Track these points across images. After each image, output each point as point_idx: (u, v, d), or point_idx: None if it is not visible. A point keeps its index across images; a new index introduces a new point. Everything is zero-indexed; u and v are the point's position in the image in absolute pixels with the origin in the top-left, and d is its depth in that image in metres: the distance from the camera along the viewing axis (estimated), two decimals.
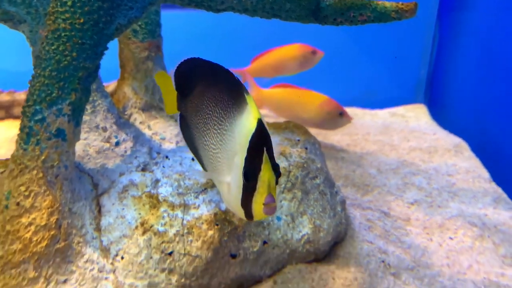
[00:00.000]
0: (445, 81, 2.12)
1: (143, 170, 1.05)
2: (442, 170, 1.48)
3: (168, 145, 1.18)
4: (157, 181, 1.02)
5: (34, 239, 0.86)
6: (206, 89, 0.79)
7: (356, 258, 1.03)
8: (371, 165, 1.56)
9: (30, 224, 0.86)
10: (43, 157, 0.89)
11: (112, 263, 0.92)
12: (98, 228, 0.95)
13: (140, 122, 1.22)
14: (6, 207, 0.87)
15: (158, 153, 1.12)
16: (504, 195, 1.37)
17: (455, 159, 1.57)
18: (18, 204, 0.87)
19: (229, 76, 0.76)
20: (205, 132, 0.79)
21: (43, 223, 0.87)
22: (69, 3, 0.88)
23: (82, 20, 0.88)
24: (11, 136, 2.00)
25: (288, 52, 1.65)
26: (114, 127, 1.10)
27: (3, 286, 0.83)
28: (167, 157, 1.10)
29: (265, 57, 1.68)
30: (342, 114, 1.56)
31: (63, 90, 0.89)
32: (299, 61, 1.64)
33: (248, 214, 0.69)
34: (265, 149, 0.66)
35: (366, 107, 2.29)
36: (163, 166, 1.06)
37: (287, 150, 1.11)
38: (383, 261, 1.02)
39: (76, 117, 0.92)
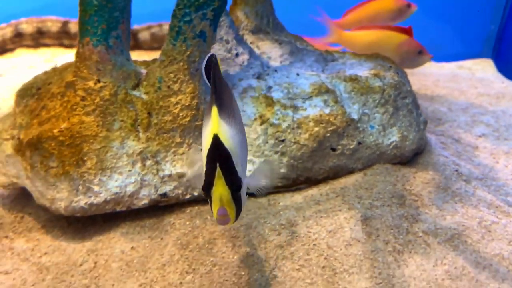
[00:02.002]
0: None
1: (258, 78, 1.19)
2: (509, 111, 1.54)
3: (274, 63, 1.30)
4: (270, 87, 1.16)
5: (181, 114, 1.02)
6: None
7: (433, 166, 1.15)
8: (442, 104, 1.64)
9: (177, 103, 1.02)
10: (188, 53, 1.04)
11: None
12: None
13: (250, 43, 1.35)
14: (159, 88, 1.03)
15: (268, 67, 1.25)
16: None
17: None
18: (168, 87, 1.03)
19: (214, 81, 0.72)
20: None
21: (187, 104, 1.03)
22: None
23: None
24: None
25: (384, 4, 1.69)
26: (234, 41, 1.23)
27: (158, 144, 1.01)
28: (275, 70, 1.23)
29: (360, 9, 1.72)
30: (421, 52, 1.61)
31: None
32: (394, 14, 1.68)
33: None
34: (218, 165, 0.64)
35: (432, 60, 2.31)
36: (274, 77, 1.20)
37: (381, 73, 1.21)
38: (456, 170, 1.13)
39: (215, 23, 1.06)
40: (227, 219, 0.65)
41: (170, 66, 1.04)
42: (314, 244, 0.94)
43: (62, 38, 2.59)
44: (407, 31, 1.63)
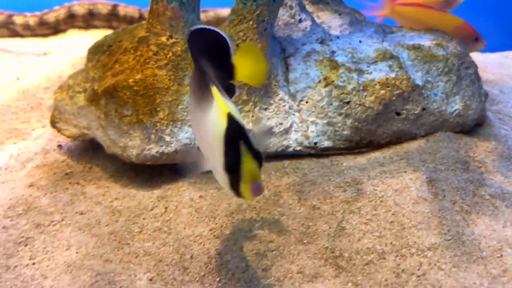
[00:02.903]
0: None
1: (321, 43, 1.18)
2: None
3: (334, 32, 1.29)
4: (333, 52, 1.15)
5: None
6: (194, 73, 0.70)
7: (495, 137, 1.12)
8: (493, 87, 1.59)
9: None
10: (257, 12, 1.04)
11: (298, 105, 1.07)
12: (286, 80, 1.10)
13: (310, 12, 1.34)
14: None
15: (329, 35, 1.24)
16: None
17: None
18: (237, 45, 1.03)
19: (205, 60, 0.68)
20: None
21: None
22: None
23: None
24: None
25: None
26: (298, 7, 1.22)
27: None
28: (338, 37, 1.22)
29: (406, 2, 1.69)
30: (477, 39, 1.57)
31: None
32: (441, 5, 1.65)
33: (239, 196, 0.65)
34: (241, 142, 0.61)
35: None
36: (337, 43, 1.18)
37: (443, 43, 1.18)
38: None
39: None
40: (262, 190, 0.63)
41: (240, 25, 1.04)
42: (381, 201, 0.92)
43: (111, 20, 2.64)
44: None
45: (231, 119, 0.62)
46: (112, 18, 2.63)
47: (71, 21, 2.59)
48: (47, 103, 1.52)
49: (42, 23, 2.55)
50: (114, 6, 2.62)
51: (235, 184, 0.63)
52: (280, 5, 1.07)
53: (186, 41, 0.75)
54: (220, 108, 0.63)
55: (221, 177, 0.64)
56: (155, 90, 0.98)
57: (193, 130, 0.72)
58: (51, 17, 2.58)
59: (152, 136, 0.97)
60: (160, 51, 1.01)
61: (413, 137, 1.09)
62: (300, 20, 1.22)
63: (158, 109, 0.98)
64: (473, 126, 1.14)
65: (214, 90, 0.64)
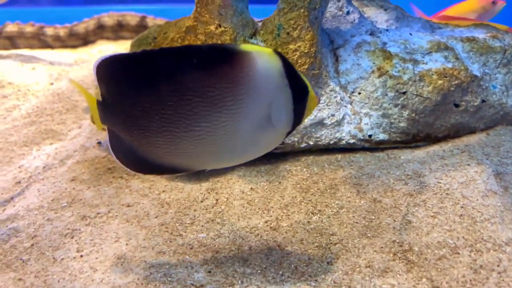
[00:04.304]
0: None
1: (371, 34, 1.14)
2: None
3: (381, 26, 1.25)
4: (385, 43, 1.11)
5: (299, 61, 0.99)
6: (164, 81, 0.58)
7: None
8: None
9: (296, 50, 0.99)
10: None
11: (350, 97, 1.03)
12: (336, 71, 1.06)
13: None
14: (278, 35, 1.01)
15: (377, 28, 1.21)
16: None
17: None
18: (288, 33, 1.00)
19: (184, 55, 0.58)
20: (197, 122, 0.58)
21: (306, 51, 0.99)
22: None
23: None
24: None
25: (468, 6, 1.64)
26: (345, 0, 1.20)
27: None
28: (387, 30, 1.18)
29: (446, 12, 1.67)
30: None
31: None
32: (479, 13, 1.62)
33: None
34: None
35: None
36: (387, 35, 1.15)
37: (499, 35, 1.14)
38: None
39: None
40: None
41: (290, 13, 1.01)
42: (447, 194, 0.86)
43: (139, 31, 2.66)
44: None
45: (280, 55, 0.58)
46: (140, 29, 2.65)
47: (100, 32, 2.63)
48: (83, 106, 1.51)
49: (72, 34, 2.59)
50: (143, 18, 2.65)
51: (301, 113, 0.61)
52: None
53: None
54: (264, 52, 0.57)
55: (279, 125, 0.60)
56: None
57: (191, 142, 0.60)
58: (80, 28, 2.61)
59: None
60: (209, 40, 0.99)
61: (472, 131, 1.04)
62: (348, 12, 1.18)
63: None
64: None
65: (244, 45, 0.58)
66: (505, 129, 1.03)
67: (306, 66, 0.99)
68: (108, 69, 0.59)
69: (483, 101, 1.03)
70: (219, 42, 0.99)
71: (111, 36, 2.70)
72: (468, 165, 0.93)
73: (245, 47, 0.58)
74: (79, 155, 1.11)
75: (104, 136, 1.16)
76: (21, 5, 2.84)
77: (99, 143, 1.17)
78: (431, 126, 1.01)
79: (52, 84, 1.76)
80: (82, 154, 1.11)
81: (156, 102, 0.58)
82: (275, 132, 0.61)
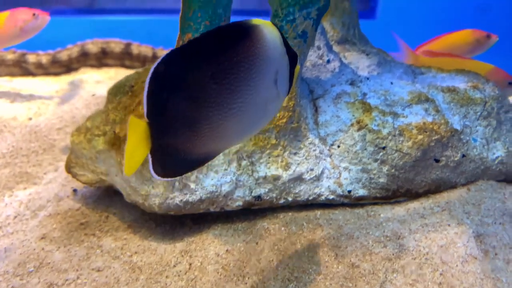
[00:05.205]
0: None
1: (351, 84, 1.14)
2: None
3: (362, 73, 1.25)
4: (365, 94, 1.10)
5: (277, 115, 0.97)
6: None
7: None
8: None
9: None
10: None
11: (329, 150, 1.02)
12: (316, 122, 1.05)
13: (337, 52, 1.31)
14: None
15: (359, 75, 1.21)
16: None
17: None
18: None
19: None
20: (234, 99, 0.62)
21: (284, 105, 0.98)
22: None
23: None
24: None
25: (461, 37, 1.65)
26: (325, 48, 1.20)
27: (254, 144, 0.96)
28: (367, 78, 1.18)
29: (437, 42, 1.68)
30: (511, 83, 1.53)
31: None
32: (473, 46, 1.63)
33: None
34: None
35: None
36: (367, 84, 1.14)
37: (479, 85, 1.14)
38: None
39: (317, 22, 1.02)
40: None
41: None
42: (426, 259, 0.85)
43: (124, 59, 2.65)
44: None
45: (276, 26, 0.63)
46: (125, 56, 2.64)
47: (84, 59, 2.61)
48: (60, 145, 1.48)
49: (54, 61, 2.56)
50: (127, 45, 2.64)
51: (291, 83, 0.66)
52: (310, 46, 1.04)
53: None
54: (266, 23, 0.62)
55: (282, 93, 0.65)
56: None
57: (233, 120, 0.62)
58: (64, 55, 2.59)
59: (177, 183, 0.91)
60: None
61: (453, 186, 1.03)
62: (328, 61, 1.18)
63: None
64: None
65: (252, 20, 0.62)
66: (486, 184, 1.03)
67: (284, 120, 0.98)
68: (158, 77, 0.60)
69: (463, 155, 1.02)
70: None
71: (95, 63, 2.68)
72: (449, 225, 0.91)
73: (253, 21, 0.63)
74: (52, 206, 1.08)
75: (78, 184, 1.13)
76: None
77: (74, 191, 1.14)
78: (411, 181, 1.00)
79: (30, 119, 1.73)
80: (55, 205, 1.08)
81: (203, 91, 0.61)
82: (279, 98, 0.66)
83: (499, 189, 1.02)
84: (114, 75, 2.48)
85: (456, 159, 1.02)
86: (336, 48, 1.32)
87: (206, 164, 0.92)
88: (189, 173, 0.92)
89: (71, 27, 2.81)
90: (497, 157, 1.04)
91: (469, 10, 2.29)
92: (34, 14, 1.90)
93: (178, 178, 0.88)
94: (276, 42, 0.63)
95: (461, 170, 1.03)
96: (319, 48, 1.18)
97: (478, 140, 1.05)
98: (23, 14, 1.91)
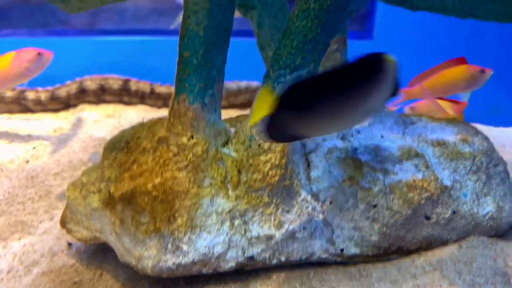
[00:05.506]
0: None
1: (342, 138, 1.16)
2: None
3: None
4: (356, 148, 1.12)
5: (270, 173, 0.99)
6: None
7: None
8: None
9: (267, 161, 1.00)
10: None
11: (321, 206, 1.03)
12: (308, 178, 1.07)
13: None
14: (250, 146, 1.01)
15: (350, 128, 1.23)
16: None
17: None
18: (259, 145, 1.01)
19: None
20: (350, 114, 0.80)
21: (276, 163, 1.00)
22: None
23: (329, 3, 1.01)
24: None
25: (456, 73, 1.67)
26: None
27: (247, 203, 0.97)
28: (358, 132, 1.20)
29: (430, 79, 1.70)
30: (483, 70, 1.55)
31: (305, 59, 1.02)
32: (468, 82, 1.65)
33: None
34: None
35: (490, 124, 2.25)
36: (358, 138, 1.16)
37: (469, 138, 1.16)
38: None
39: None
40: None
41: None
42: None
43: (122, 95, 2.69)
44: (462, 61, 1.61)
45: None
46: (123, 93, 2.68)
47: (82, 96, 2.64)
48: (57, 191, 1.49)
49: (53, 98, 2.59)
50: (126, 81, 2.68)
51: None
52: None
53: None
54: (390, 59, 0.75)
55: None
56: (174, 194, 0.95)
57: None
58: (62, 92, 2.62)
59: (169, 245, 0.92)
60: (181, 152, 0.99)
61: (444, 243, 1.04)
62: None
63: (176, 215, 0.94)
64: (508, 229, 1.09)
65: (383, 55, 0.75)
66: (478, 240, 1.04)
67: (277, 178, 0.99)
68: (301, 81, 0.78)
69: (454, 212, 1.04)
70: (191, 154, 0.99)
71: (93, 100, 2.71)
72: (440, 286, 0.92)
73: (384, 56, 0.75)
74: (45, 262, 1.08)
75: (71, 238, 1.13)
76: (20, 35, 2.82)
77: (69, 244, 1.14)
78: (402, 239, 1.01)
79: (27, 162, 1.74)
80: (49, 260, 1.08)
81: (330, 111, 0.78)
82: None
83: (490, 245, 1.03)
84: (112, 112, 2.51)
85: (446, 216, 1.03)
86: None
87: (198, 225, 0.94)
88: (182, 234, 0.93)
89: (72, 48, 2.84)
90: (487, 213, 1.06)
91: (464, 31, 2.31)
92: (38, 54, 1.95)
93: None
94: (395, 73, 0.76)
95: (452, 227, 1.04)
96: None
97: (468, 195, 1.07)
98: (28, 54, 1.96)
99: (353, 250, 1.00)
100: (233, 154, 1.02)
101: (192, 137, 1.00)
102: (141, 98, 2.68)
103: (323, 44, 1.03)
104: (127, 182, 0.98)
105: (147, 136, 1.07)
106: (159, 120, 1.14)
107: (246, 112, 1.76)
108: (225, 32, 1.01)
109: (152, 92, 2.67)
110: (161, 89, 2.63)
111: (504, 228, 1.07)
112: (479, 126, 2.23)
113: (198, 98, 1.01)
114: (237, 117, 1.20)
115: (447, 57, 1.75)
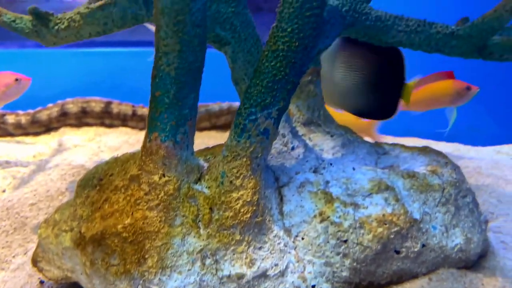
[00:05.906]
0: None
1: (315, 172, 1.18)
2: None
3: (326, 155, 1.29)
4: (327, 182, 1.14)
5: (242, 210, 1.00)
6: None
7: (501, 271, 1.08)
8: (490, 195, 1.59)
9: (239, 198, 1.01)
10: (251, 149, 1.04)
11: (293, 242, 1.04)
12: (281, 212, 1.08)
13: (302, 135, 1.36)
14: (222, 183, 1.02)
15: (322, 160, 1.25)
16: None
17: None
18: (231, 182, 1.02)
19: None
20: None
21: (248, 199, 1.01)
22: (288, 30, 1.04)
23: (297, 44, 1.03)
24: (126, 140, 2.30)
25: (441, 88, 1.70)
26: (290, 135, 1.24)
27: (218, 241, 0.97)
28: (331, 164, 1.22)
29: (416, 93, 1.73)
30: (469, 88, 1.58)
31: (275, 98, 1.04)
32: (453, 97, 1.69)
33: None
34: None
35: (468, 143, 2.30)
36: (330, 171, 1.18)
37: (438, 170, 1.19)
38: None
39: (278, 121, 1.07)
40: None
41: (234, 161, 1.03)
42: None
43: (104, 118, 2.69)
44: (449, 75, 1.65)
45: None
46: (105, 115, 2.67)
47: (63, 119, 2.63)
48: (32, 223, 1.48)
49: (34, 121, 2.58)
50: (107, 104, 2.68)
51: None
52: (273, 140, 1.08)
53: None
54: None
55: None
56: (144, 235, 0.95)
57: None
58: (43, 115, 2.61)
59: (140, 287, 0.92)
60: (152, 191, 0.99)
61: (414, 276, 1.05)
62: (292, 148, 1.22)
63: (146, 256, 0.94)
64: (477, 259, 1.11)
65: None
66: (447, 272, 1.05)
67: (248, 215, 1.00)
68: None
69: (423, 245, 1.05)
70: (162, 192, 0.99)
71: (75, 122, 2.70)
72: None
73: None
74: None
75: (43, 276, 1.12)
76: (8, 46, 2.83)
77: (41, 282, 1.13)
78: (373, 274, 1.03)
79: (4, 191, 1.73)
80: None
81: None
82: None
83: (459, 278, 1.04)
84: (93, 135, 2.50)
85: (416, 249, 1.05)
86: (301, 130, 1.36)
87: (168, 265, 0.94)
88: (152, 276, 0.93)
89: (61, 60, 2.82)
90: (456, 245, 1.07)
91: None
92: (16, 79, 1.94)
93: None
94: None
95: (421, 260, 1.05)
96: (283, 135, 1.22)
97: (437, 228, 1.08)
98: (5, 79, 1.95)
99: (325, 286, 1.01)
100: (206, 190, 1.03)
101: (164, 175, 1.01)
102: (123, 120, 2.68)
103: (292, 83, 1.05)
104: (98, 222, 0.98)
105: (120, 173, 1.08)
106: (132, 156, 1.14)
107: (226, 134, 1.77)
108: (196, 72, 1.02)
109: (134, 114, 2.67)
110: (143, 110, 2.64)
111: (473, 260, 1.09)
112: (458, 146, 2.29)
113: (170, 136, 1.01)
114: (213, 147, 1.21)
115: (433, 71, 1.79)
